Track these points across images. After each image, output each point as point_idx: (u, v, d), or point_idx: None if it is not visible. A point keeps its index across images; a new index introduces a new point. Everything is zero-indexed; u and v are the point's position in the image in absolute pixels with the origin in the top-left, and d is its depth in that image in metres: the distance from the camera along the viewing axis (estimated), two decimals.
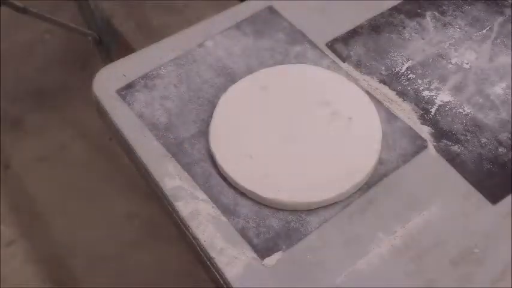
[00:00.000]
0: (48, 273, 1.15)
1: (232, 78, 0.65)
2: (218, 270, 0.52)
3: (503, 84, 0.64)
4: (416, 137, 0.60)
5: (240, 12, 0.71)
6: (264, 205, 0.55)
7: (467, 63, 0.66)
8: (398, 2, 0.72)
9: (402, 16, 0.71)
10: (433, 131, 0.60)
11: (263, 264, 0.52)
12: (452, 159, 0.58)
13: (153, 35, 1.53)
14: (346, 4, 0.72)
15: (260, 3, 0.72)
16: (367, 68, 0.66)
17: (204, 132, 0.61)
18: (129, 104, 0.63)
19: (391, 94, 0.63)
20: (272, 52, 0.67)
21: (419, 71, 0.65)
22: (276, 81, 0.63)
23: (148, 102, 0.64)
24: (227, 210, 0.55)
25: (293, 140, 0.58)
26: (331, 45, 0.68)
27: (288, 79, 0.64)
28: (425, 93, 0.63)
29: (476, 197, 0.56)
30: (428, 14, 0.71)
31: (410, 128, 0.60)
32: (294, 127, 0.59)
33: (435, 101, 0.63)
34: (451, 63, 0.66)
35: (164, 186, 0.57)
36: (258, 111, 0.61)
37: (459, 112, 0.62)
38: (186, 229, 0.55)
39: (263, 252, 0.52)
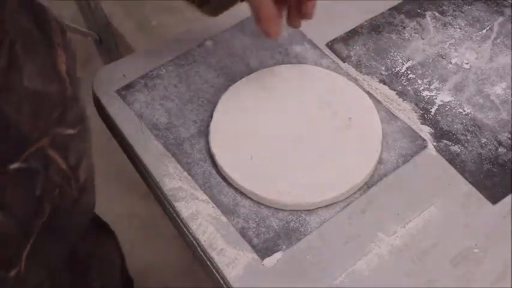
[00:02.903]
0: None
1: (232, 78, 0.65)
2: (218, 270, 0.52)
3: (503, 84, 0.64)
4: (416, 137, 0.60)
5: (240, 12, 0.71)
6: (264, 205, 0.55)
7: (467, 63, 0.66)
8: (399, 2, 0.72)
9: (402, 16, 0.71)
10: (433, 131, 0.60)
11: (263, 264, 0.52)
12: (452, 159, 0.58)
13: (153, 35, 1.54)
14: (346, 4, 0.72)
15: None
16: (367, 68, 0.66)
17: (204, 132, 0.61)
18: (129, 104, 0.63)
19: (391, 94, 0.63)
20: (272, 52, 0.68)
21: (419, 71, 0.65)
22: (276, 81, 0.63)
23: (148, 102, 0.64)
24: (227, 210, 0.55)
25: (293, 140, 0.58)
26: (331, 45, 0.68)
27: (288, 79, 0.64)
28: (425, 93, 0.63)
29: (476, 197, 0.56)
30: (428, 14, 0.71)
31: (410, 128, 0.60)
32: (294, 127, 0.59)
33: (435, 101, 0.63)
34: (451, 63, 0.66)
35: (164, 186, 0.57)
36: (258, 111, 0.61)
37: (459, 112, 0.62)
38: (186, 229, 0.55)
39: (263, 252, 0.52)
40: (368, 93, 0.63)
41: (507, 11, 0.71)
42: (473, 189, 0.56)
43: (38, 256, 0.48)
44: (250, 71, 0.65)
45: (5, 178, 0.41)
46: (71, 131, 0.47)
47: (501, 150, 0.59)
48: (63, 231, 0.51)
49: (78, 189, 0.50)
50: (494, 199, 0.55)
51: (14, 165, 0.42)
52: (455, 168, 0.57)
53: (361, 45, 0.68)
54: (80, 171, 0.50)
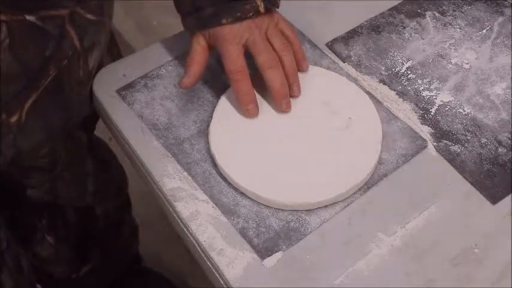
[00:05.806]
0: None
1: None
2: (218, 270, 0.52)
3: (503, 84, 0.64)
4: (416, 137, 0.60)
5: None
6: (264, 205, 0.55)
7: (467, 63, 0.66)
8: (399, 2, 0.72)
9: (402, 16, 0.71)
10: (433, 131, 0.60)
11: (263, 264, 0.52)
12: (452, 159, 0.58)
13: (153, 35, 1.54)
14: (346, 4, 0.72)
15: None
16: (367, 68, 0.66)
17: (204, 132, 0.61)
18: (129, 104, 0.63)
19: (391, 94, 0.63)
20: None
21: (419, 71, 0.65)
22: None
23: (148, 102, 0.64)
24: (227, 211, 0.55)
25: (293, 140, 0.58)
26: (331, 45, 0.68)
27: None
28: (425, 93, 0.63)
29: (476, 197, 0.56)
30: (428, 14, 0.71)
31: (410, 128, 0.60)
32: (294, 127, 0.59)
33: (435, 101, 0.63)
34: (451, 63, 0.66)
35: (164, 186, 0.57)
36: (258, 111, 0.61)
37: (459, 112, 0.62)
38: (186, 229, 0.55)
39: (263, 252, 0.52)
40: (368, 93, 0.63)
41: (507, 11, 0.71)
42: (473, 189, 0.56)
43: (37, 114, 0.56)
44: (250, 71, 0.65)
45: (19, 26, 0.48)
46: (90, 16, 0.55)
47: (501, 150, 0.59)
48: (65, 101, 0.60)
49: (87, 73, 0.59)
50: (494, 199, 0.55)
51: (30, 18, 0.49)
52: (455, 168, 0.57)
53: (361, 45, 0.68)
54: (91, 57, 0.59)
